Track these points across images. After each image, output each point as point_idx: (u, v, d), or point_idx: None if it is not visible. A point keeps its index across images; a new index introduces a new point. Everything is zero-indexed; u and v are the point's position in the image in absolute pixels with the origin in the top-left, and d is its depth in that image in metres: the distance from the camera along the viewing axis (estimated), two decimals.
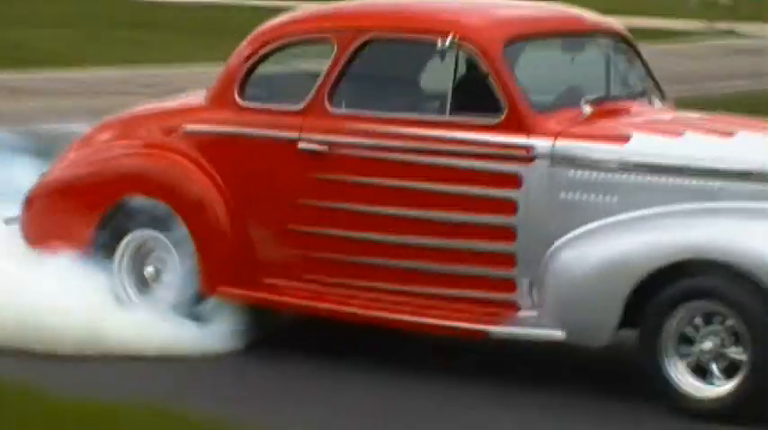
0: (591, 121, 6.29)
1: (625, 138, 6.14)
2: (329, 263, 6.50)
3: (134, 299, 6.87)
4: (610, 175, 6.04)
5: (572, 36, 6.93)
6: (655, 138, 6.20)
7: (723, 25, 24.51)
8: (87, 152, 7.23)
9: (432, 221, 6.28)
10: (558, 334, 6.00)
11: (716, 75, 16.85)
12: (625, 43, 6.99)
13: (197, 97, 7.34)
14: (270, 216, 6.67)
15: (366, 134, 6.43)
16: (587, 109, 6.32)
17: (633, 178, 6.02)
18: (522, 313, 6.15)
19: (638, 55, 7.01)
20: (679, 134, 6.29)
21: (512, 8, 7.19)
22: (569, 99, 6.49)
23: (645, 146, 6.09)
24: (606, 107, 6.48)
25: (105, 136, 7.29)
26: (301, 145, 6.52)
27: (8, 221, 7.27)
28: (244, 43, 7.00)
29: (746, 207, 5.87)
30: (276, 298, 6.61)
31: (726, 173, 5.93)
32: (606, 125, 6.32)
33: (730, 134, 6.29)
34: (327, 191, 6.50)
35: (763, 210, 5.80)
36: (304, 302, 6.57)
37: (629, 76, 6.93)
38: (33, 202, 7.12)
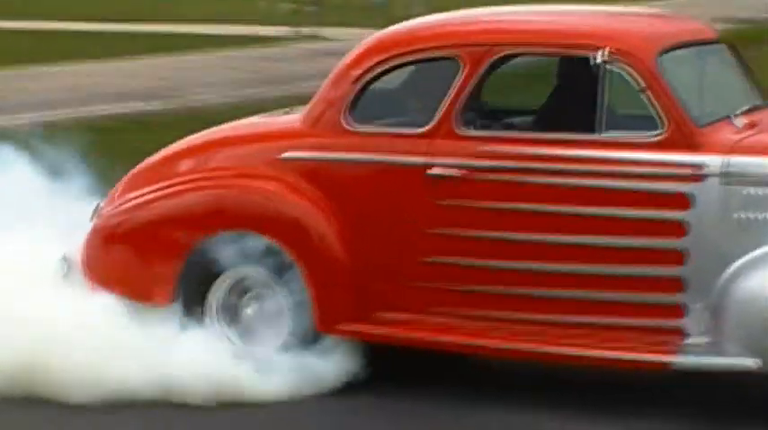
0: (749, 134, 5.77)
1: None
2: (464, 294, 5.90)
3: (236, 343, 6.20)
4: None
5: (702, 45, 6.44)
6: None
7: (308, 30, 26.80)
8: (166, 183, 6.47)
9: (585, 246, 5.72)
10: (748, 362, 5.51)
11: (305, 75, 18.10)
12: (731, 50, 6.62)
13: (284, 120, 6.88)
14: (391, 246, 6.02)
15: (507, 157, 5.85)
16: (740, 121, 5.83)
17: None
18: (692, 340, 5.63)
19: (743, 61, 6.63)
20: None
21: (649, 19, 6.92)
22: (718, 112, 5.98)
23: None
24: (750, 118, 5.95)
25: (184, 165, 6.61)
26: (432, 170, 5.90)
27: (66, 262, 6.57)
28: (349, 60, 6.34)
29: None
30: (401, 333, 5.96)
31: None
32: (766, 138, 5.83)
33: None
34: (462, 218, 5.90)
35: None
36: (434, 337, 5.92)
37: (747, 83, 6.50)
38: (100, 240, 6.49)
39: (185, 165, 6.59)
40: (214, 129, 7.01)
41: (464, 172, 5.85)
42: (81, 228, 6.64)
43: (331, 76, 6.37)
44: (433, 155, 5.91)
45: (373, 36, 6.59)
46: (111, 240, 6.45)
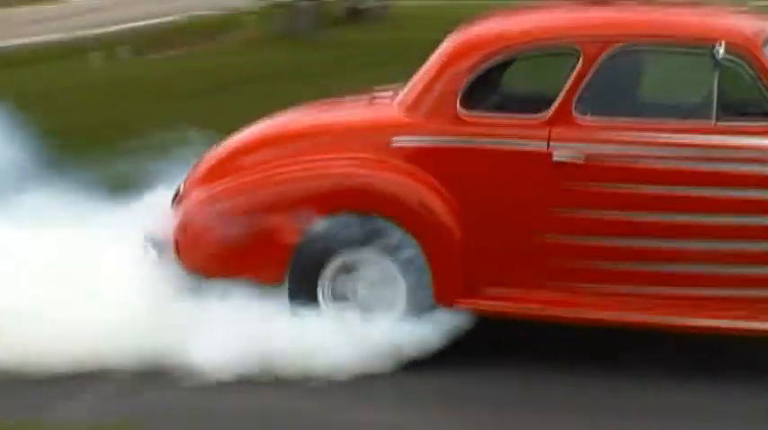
0: None
1: None
2: (581, 270, 6.22)
3: (350, 321, 6.33)
4: None
5: None
6: None
7: None
8: (274, 166, 6.57)
9: (694, 225, 6.07)
10: None
11: None
12: None
13: (382, 107, 7.12)
14: (510, 226, 6.28)
15: (628, 142, 6.14)
16: None
17: None
18: None
19: None
20: None
21: (743, 15, 7.02)
22: None
23: None
24: None
25: (289, 150, 6.74)
26: (555, 155, 6.16)
27: (156, 246, 6.60)
28: (458, 50, 6.62)
29: None
30: (517, 307, 6.26)
31: None
32: None
33: None
34: (583, 199, 6.19)
35: None
36: (550, 310, 6.24)
37: None
38: (205, 223, 6.47)
39: (291, 149, 6.75)
40: (307, 116, 7.33)
41: (586, 156, 6.11)
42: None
43: (436, 65, 6.61)
44: (554, 140, 6.16)
45: (480, 26, 6.87)
46: (218, 223, 6.42)
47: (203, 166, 6.94)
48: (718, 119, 6.04)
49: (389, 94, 7.01)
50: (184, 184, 6.94)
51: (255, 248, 6.37)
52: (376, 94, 7.35)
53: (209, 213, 6.52)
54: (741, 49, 6.03)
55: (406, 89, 6.70)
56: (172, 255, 6.50)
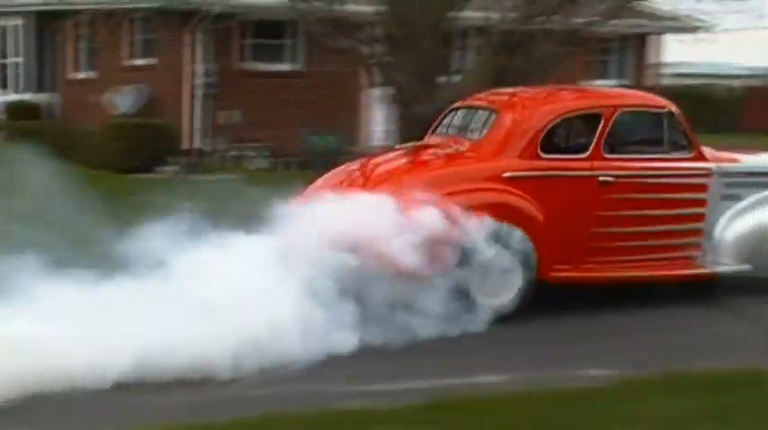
0: (720, 153, 10.48)
1: None
2: (613, 249, 9.62)
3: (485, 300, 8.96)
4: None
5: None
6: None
7: None
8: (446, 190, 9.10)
9: (667, 216, 9.80)
10: (743, 268, 9.99)
11: None
12: None
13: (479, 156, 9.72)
14: (572, 224, 9.42)
15: (636, 169, 9.73)
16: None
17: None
18: (708, 259, 10.00)
19: None
20: (756, 153, 11.11)
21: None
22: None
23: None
24: None
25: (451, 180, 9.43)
26: (600, 178, 9.52)
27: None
28: (537, 116, 9.78)
29: None
30: (584, 274, 9.55)
31: None
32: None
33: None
34: (613, 204, 9.54)
35: None
36: (599, 273, 9.59)
37: None
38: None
39: (451, 180, 9.49)
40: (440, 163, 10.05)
41: (613, 178, 9.60)
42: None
43: (512, 127, 9.71)
44: (594, 170, 9.58)
45: (548, 96, 10.76)
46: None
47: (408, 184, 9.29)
48: (668, 151, 10.00)
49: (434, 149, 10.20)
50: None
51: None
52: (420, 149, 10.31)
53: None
54: (674, 109, 10.05)
55: (483, 142, 9.75)
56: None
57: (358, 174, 9.88)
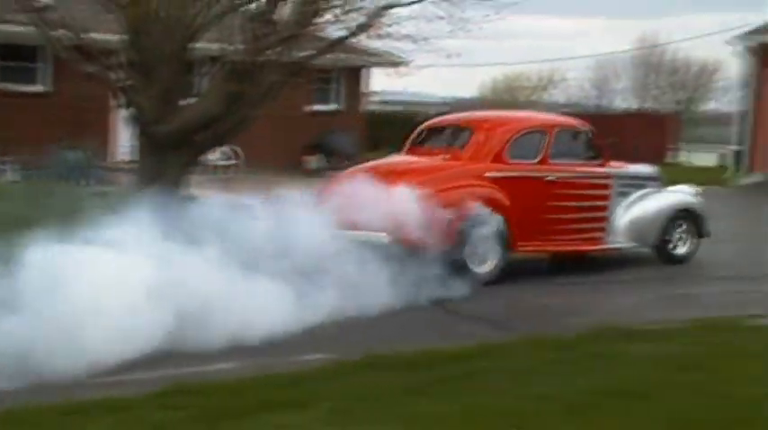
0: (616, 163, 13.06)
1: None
2: (560, 228, 11.86)
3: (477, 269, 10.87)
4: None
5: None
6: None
7: None
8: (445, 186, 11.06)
9: (582, 207, 12.11)
10: (631, 244, 12.64)
11: None
12: None
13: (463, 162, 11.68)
14: (531, 211, 11.46)
15: (570, 171, 12.03)
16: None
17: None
18: (611, 239, 12.47)
19: None
20: (636, 164, 13.68)
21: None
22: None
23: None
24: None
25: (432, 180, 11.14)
26: (547, 178, 11.76)
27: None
28: (502, 132, 11.85)
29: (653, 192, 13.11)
30: (542, 247, 11.92)
31: (644, 176, 13.35)
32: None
33: None
34: (557, 197, 11.79)
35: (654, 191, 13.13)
36: (560, 246, 12.05)
37: None
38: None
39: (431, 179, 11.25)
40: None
41: (555, 178, 11.87)
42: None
43: (485, 139, 11.78)
44: (543, 172, 11.80)
45: (509, 118, 13.23)
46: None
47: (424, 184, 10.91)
48: (588, 159, 12.44)
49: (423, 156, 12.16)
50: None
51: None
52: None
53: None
54: (592, 129, 12.75)
55: (460, 152, 11.73)
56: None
57: (377, 174, 11.05)
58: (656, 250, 12.76)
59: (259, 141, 20.47)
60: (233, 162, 22.24)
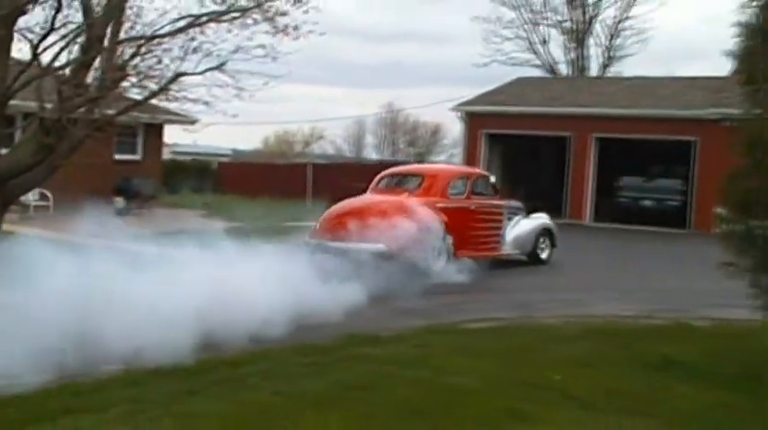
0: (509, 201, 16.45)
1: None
2: (479, 241, 14.45)
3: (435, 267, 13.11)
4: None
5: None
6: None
7: None
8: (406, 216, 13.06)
9: (489, 227, 14.77)
10: (517, 253, 15.39)
11: None
12: None
13: (416, 197, 13.97)
14: (464, 229, 13.98)
15: (483, 204, 14.75)
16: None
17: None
18: (504, 248, 15.18)
19: None
20: (514, 199, 16.43)
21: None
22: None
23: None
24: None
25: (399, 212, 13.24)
26: (471, 207, 14.45)
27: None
28: (444, 176, 14.76)
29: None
30: (474, 254, 14.07)
31: (518, 207, 16.07)
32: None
33: None
34: (477, 220, 14.37)
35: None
36: (479, 254, 14.27)
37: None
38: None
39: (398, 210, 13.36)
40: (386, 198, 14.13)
41: (475, 207, 14.57)
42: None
43: (432, 182, 14.34)
44: (468, 203, 14.45)
45: (446, 169, 16.75)
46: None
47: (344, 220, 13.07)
48: (491, 195, 15.26)
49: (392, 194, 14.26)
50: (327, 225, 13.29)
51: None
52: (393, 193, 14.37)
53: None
54: (492, 176, 16.34)
55: (417, 191, 14.10)
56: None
57: (363, 206, 13.57)
58: (530, 256, 15.58)
59: (72, 186, 19.71)
60: (45, 204, 21.52)
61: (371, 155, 54.49)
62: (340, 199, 14.22)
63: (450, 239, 13.49)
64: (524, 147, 28.34)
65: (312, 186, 29.55)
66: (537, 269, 15.27)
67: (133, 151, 25.61)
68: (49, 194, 21.30)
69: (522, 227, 15.59)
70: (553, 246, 16.02)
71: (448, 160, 47.18)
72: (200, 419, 5.54)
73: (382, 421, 5.60)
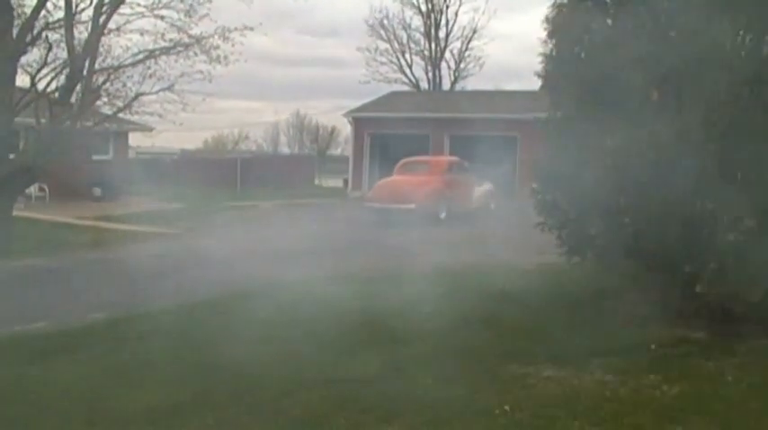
0: None
1: None
2: (463, 200, 16.84)
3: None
4: None
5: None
6: None
7: None
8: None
9: (467, 192, 17.79)
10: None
11: None
12: None
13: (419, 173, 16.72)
14: (455, 192, 16.50)
15: (458, 177, 16.85)
16: None
17: None
18: None
19: None
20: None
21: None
22: None
23: None
24: None
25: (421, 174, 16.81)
26: (458, 179, 16.97)
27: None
28: (444, 163, 17.61)
29: None
30: (461, 208, 16.64)
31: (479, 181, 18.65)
32: None
33: None
34: (462, 187, 17.04)
35: None
36: (463, 208, 16.73)
37: None
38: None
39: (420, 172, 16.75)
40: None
41: (459, 179, 16.98)
42: None
43: (434, 166, 17.31)
44: (457, 176, 17.10)
45: (443, 158, 19.34)
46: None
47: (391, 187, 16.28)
48: (465, 172, 18.01)
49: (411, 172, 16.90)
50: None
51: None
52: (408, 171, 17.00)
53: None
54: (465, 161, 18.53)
55: (427, 172, 16.67)
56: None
57: (396, 181, 16.47)
58: (486, 212, 17.41)
59: (64, 179, 19.23)
60: (42, 194, 20.67)
61: (285, 150, 54.50)
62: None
63: (448, 199, 16.09)
64: (397, 144, 28.50)
65: (240, 176, 29.39)
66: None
67: (106, 152, 24.83)
68: (45, 187, 20.52)
69: (482, 191, 18.13)
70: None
71: (341, 154, 47.35)
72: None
73: None
